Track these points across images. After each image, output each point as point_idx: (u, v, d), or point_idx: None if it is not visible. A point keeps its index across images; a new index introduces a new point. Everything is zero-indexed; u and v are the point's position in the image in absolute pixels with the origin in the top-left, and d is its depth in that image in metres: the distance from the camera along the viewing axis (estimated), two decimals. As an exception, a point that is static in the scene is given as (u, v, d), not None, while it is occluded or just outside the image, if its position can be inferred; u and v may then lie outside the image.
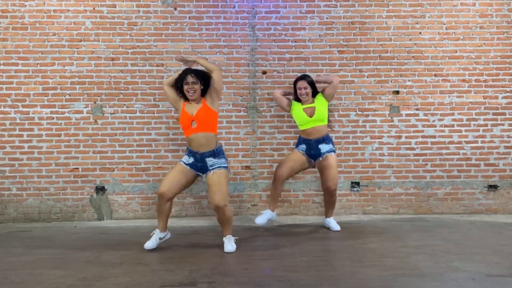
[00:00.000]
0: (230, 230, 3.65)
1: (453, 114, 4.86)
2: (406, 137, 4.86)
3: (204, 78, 3.57)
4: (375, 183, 4.87)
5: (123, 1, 4.72)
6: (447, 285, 2.78)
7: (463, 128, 4.86)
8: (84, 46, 4.70)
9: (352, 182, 4.87)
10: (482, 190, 4.88)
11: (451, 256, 3.35)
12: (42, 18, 4.67)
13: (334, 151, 4.17)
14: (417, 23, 4.83)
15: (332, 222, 4.24)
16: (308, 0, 4.80)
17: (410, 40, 4.84)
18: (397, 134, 4.85)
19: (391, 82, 4.84)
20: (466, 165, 4.87)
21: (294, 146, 4.38)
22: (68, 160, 4.71)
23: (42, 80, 4.68)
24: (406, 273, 2.99)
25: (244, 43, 4.79)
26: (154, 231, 3.64)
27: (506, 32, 4.84)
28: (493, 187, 4.88)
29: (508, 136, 4.87)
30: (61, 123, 4.70)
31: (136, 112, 4.74)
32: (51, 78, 4.69)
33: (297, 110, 4.18)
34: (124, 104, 4.74)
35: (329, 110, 4.30)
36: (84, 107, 4.71)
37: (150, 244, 3.58)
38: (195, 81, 3.53)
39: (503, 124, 4.87)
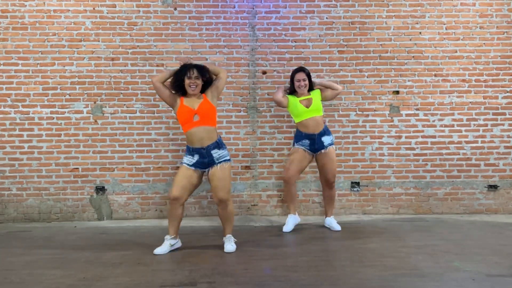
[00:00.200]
0: (231, 228, 3.65)
1: (453, 114, 4.86)
2: (406, 137, 4.86)
3: (205, 74, 3.59)
4: (375, 183, 4.87)
5: (123, 1, 4.72)
6: (447, 285, 2.78)
7: (463, 128, 4.86)
8: (84, 46, 4.70)
9: (352, 182, 4.87)
10: (482, 190, 4.88)
11: (451, 256, 3.35)
12: (42, 18, 4.67)
13: (333, 143, 4.24)
14: (417, 23, 4.83)
15: (333, 222, 4.24)
16: (308, 0, 4.80)
17: (410, 40, 4.84)
18: (397, 134, 4.85)
19: (391, 82, 4.84)
20: (466, 165, 4.87)
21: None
22: (68, 160, 4.71)
23: (42, 80, 4.68)
24: (406, 273, 2.99)
25: (244, 43, 4.79)
26: (166, 237, 3.56)
27: (506, 32, 4.84)
28: (493, 187, 4.88)
29: (508, 136, 4.87)
30: (61, 123, 4.70)
31: (136, 112, 4.74)
32: (51, 78, 4.69)
33: (294, 102, 4.19)
34: (124, 104, 4.74)
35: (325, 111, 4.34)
36: (84, 107, 4.71)
37: (161, 250, 3.50)
38: (198, 75, 3.54)
39: (503, 124, 4.87)
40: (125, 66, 4.73)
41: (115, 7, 4.71)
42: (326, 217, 4.33)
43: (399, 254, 3.41)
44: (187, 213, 4.82)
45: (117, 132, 4.74)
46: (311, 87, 4.24)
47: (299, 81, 4.15)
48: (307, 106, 4.15)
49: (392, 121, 4.85)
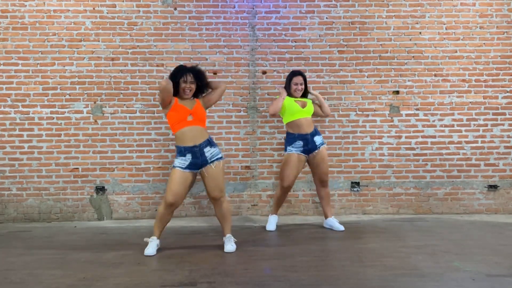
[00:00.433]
0: (230, 227, 3.65)
1: (453, 114, 4.86)
2: (406, 137, 4.86)
3: (201, 78, 3.59)
4: (375, 183, 4.87)
5: (123, 1, 4.72)
6: (447, 285, 2.77)
7: (463, 128, 4.86)
8: (84, 46, 4.70)
9: (352, 182, 4.87)
10: (482, 190, 4.88)
11: (451, 256, 3.35)
12: (42, 18, 4.67)
13: (324, 142, 4.24)
14: (417, 23, 4.83)
15: (335, 222, 4.22)
16: (308, 0, 4.80)
17: (410, 40, 4.84)
18: (397, 134, 4.85)
19: (391, 82, 4.84)
20: (466, 165, 4.87)
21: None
22: (68, 160, 4.71)
23: (42, 80, 4.68)
24: (406, 273, 2.99)
25: (244, 43, 4.79)
26: (150, 239, 3.55)
27: (506, 32, 4.84)
28: (493, 187, 4.88)
29: (508, 136, 4.87)
30: (61, 123, 4.70)
31: (136, 112, 4.74)
32: (51, 78, 4.69)
33: (289, 101, 4.15)
34: (124, 104, 4.74)
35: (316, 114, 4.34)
36: (84, 107, 4.71)
37: (150, 251, 3.50)
38: (193, 81, 3.55)
39: (503, 124, 4.87)
40: (125, 66, 4.73)
41: (115, 7, 4.72)
42: (326, 218, 4.31)
43: (399, 254, 3.40)
44: (187, 213, 4.82)
45: (117, 132, 4.74)
46: (305, 93, 4.25)
47: (297, 85, 4.15)
48: (303, 107, 4.15)
49: (392, 121, 4.85)
